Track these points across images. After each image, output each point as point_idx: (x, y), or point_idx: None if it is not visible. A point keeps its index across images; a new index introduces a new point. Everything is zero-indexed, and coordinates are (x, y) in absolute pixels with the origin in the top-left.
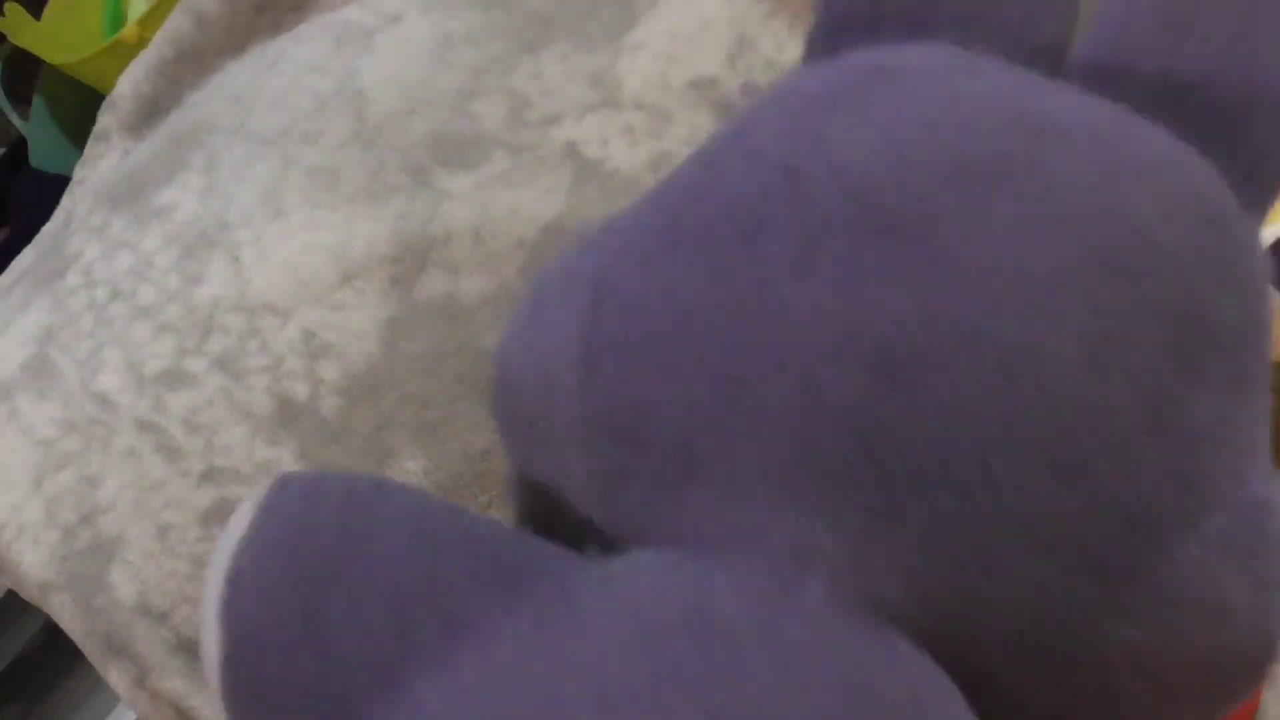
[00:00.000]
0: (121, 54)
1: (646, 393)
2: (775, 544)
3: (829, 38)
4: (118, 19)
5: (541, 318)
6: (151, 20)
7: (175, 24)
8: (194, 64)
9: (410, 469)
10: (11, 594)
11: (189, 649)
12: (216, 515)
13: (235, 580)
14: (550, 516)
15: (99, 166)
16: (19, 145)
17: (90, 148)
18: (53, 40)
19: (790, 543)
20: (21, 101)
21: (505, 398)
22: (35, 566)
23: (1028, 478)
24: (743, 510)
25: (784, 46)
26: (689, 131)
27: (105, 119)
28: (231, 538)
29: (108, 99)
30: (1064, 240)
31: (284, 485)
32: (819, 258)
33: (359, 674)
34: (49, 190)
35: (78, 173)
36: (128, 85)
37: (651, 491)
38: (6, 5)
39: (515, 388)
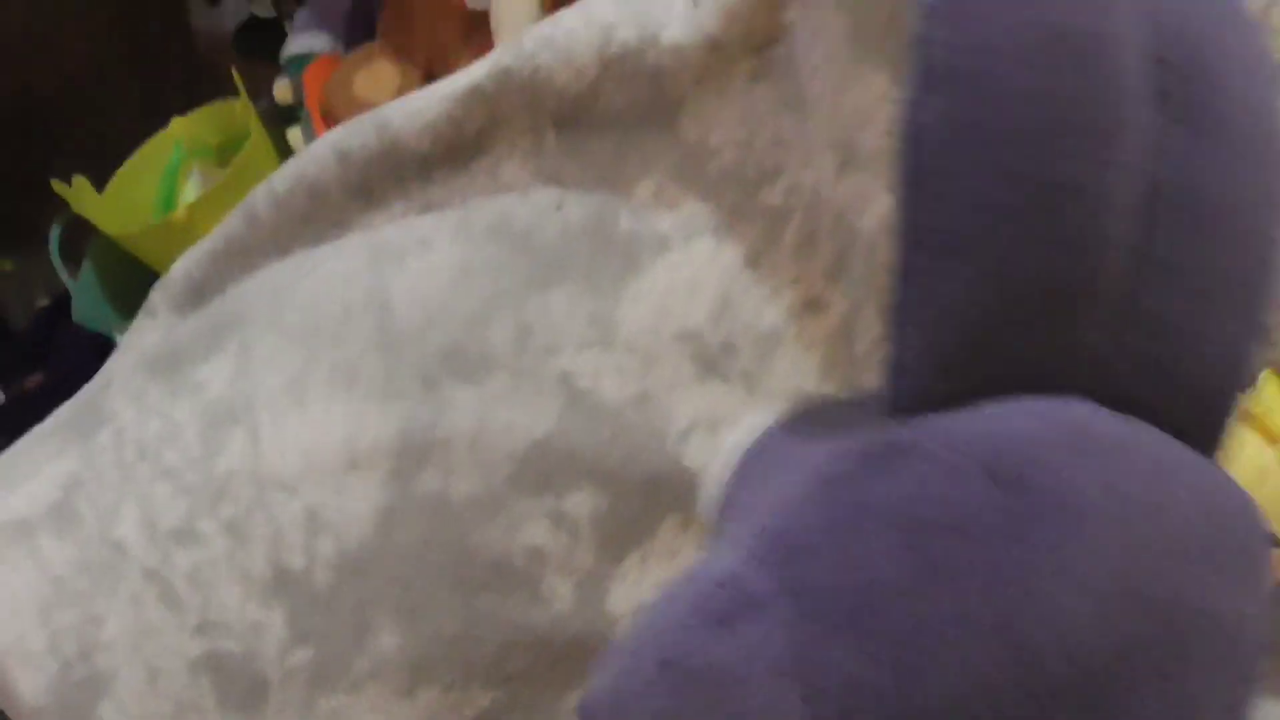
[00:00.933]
0: (170, 233)
1: None
2: None
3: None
4: (170, 200)
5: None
6: (200, 206)
7: (231, 221)
8: (241, 259)
9: (386, 643)
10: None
11: None
12: (204, 664)
13: None
14: None
15: (145, 337)
16: (64, 300)
17: (139, 319)
18: (109, 213)
19: None
20: (72, 261)
21: None
22: (31, 693)
23: None
24: None
25: (762, 313)
26: (671, 375)
27: (156, 296)
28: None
29: (162, 279)
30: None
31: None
32: None
33: None
34: (87, 345)
35: (124, 340)
36: (181, 269)
37: None
38: (75, 178)
39: None
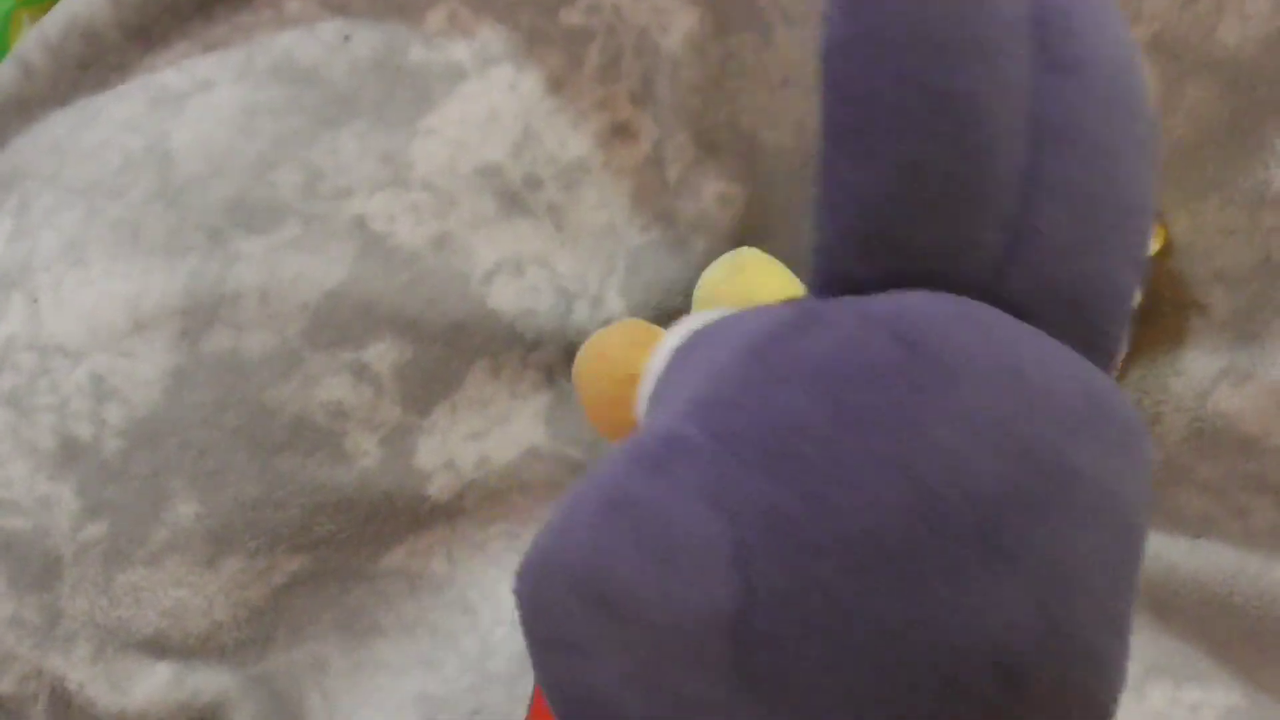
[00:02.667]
0: None
1: (802, 685)
2: None
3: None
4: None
5: (645, 561)
6: None
7: (3, 73)
8: (18, 112)
9: (184, 512)
10: None
11: None
12: None
13: None
14: None
15: None
16: None
17: None
18: None
19: None
20: None
21: (595, 598)
22: None
23: None
24: None
25: (567, 142)
26: (472, 214)
27: None
28: None
29: None
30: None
31: None
32: (950, 576)
33: None
34: None
35: None
36: None
37: None
38: None
39: (617, 602)
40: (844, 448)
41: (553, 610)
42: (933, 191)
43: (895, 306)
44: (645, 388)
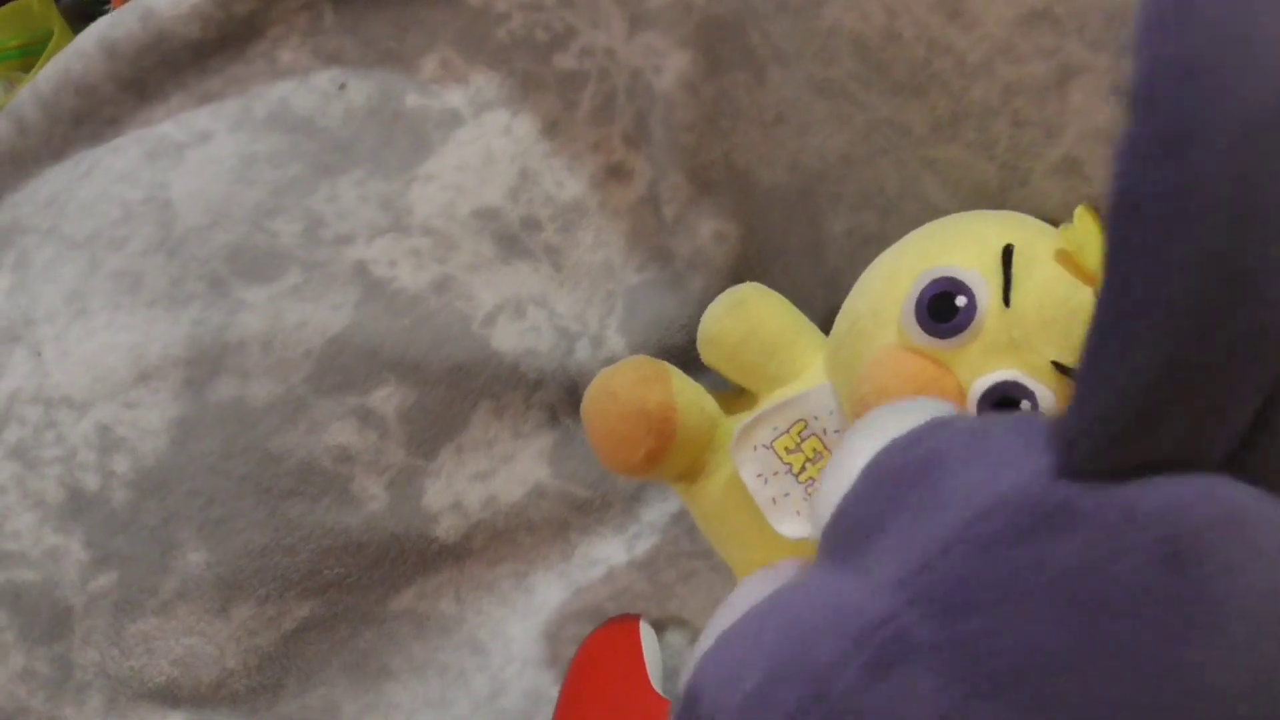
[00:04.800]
0: None
1: None
2: None
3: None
4: None
5: None
6: None
7: None
8: (12, 168)
9: (194, 561)
10: None
11: None
12: (3, 598)
13: None
14: None
15: None
16: None
17: None
18: None
19: None
20: None
21: None
22: None
23: None
24: None
25: (563, 184)
26: (472, 257)
27: None
28: None
29: None
30: None
31: None
32: None
33: None
34: None
35: None
36: None
37: None
38: None
39: None
40: (1093, 682)
41: None
42: (1205, 381)
43: (1160, 506)
44: (824, 508)
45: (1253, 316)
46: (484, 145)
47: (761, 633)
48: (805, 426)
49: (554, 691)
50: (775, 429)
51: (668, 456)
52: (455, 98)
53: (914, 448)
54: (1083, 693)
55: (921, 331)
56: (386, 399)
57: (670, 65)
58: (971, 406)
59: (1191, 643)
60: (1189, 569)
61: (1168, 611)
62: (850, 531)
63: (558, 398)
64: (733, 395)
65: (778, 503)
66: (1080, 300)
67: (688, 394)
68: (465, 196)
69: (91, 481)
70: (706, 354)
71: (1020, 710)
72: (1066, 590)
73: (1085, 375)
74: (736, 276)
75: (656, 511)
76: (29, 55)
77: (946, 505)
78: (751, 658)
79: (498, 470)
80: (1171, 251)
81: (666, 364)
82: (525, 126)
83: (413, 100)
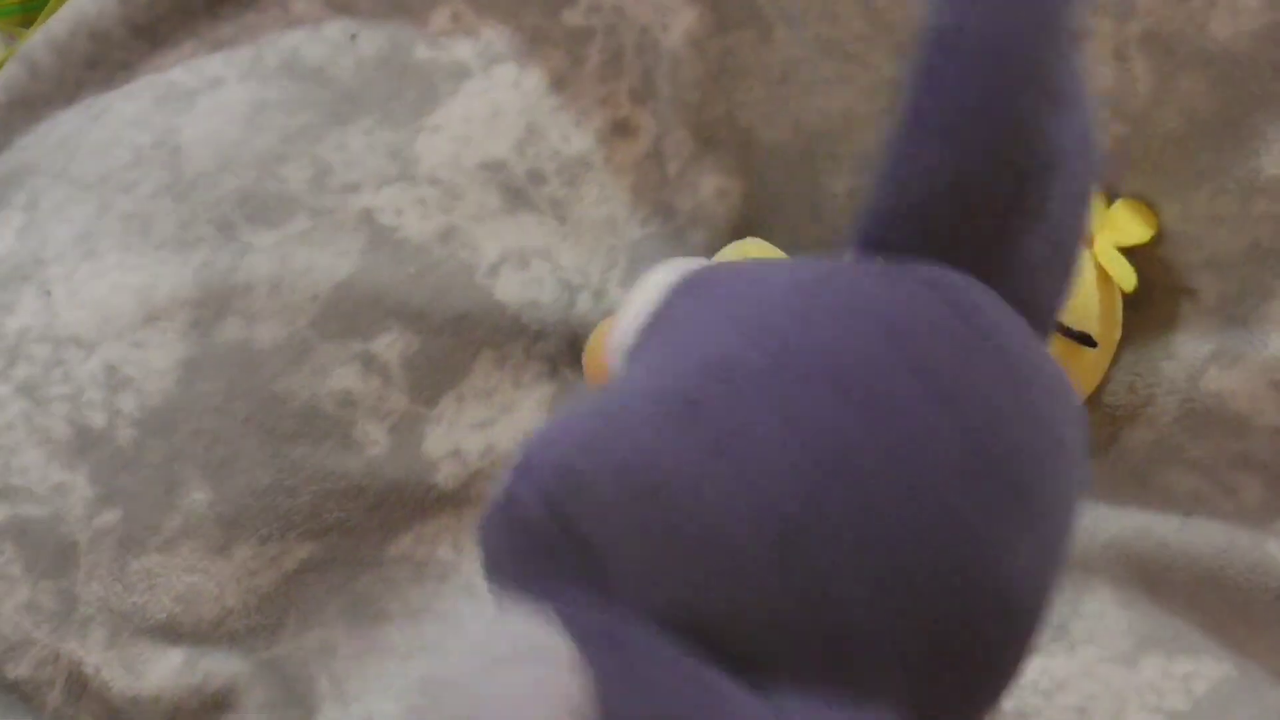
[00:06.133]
0: None
1: (834, 585)
2: (892, 700)
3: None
4: None
5: (715, 464)
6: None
7: (9, 71)
8: (24, 110)
9: (197, 499)
10: None
11: None
12: (8, 531)
13: None
14: None
15: None
16: None
17: None
18: None
19: (900, 698)
20: None
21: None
22: None
23: None
24: (876, 680)
25: (569, 138)
26: (477, 208)
27: None
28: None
29: None
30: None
31: None
32: (972, 511)
33: None
34: None
35: None
36: None
37: (809, 654)
38: None
39: (673, 497)
40: (904, 384)
41: (581, 495)
42: (979, 191)
43: (943, 277)
44: (630, 319)
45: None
46: (492, 98)
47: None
48: None
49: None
50: None
51: None
52: (464, 51)
53: (711, 270)
54: (897, 391)
55: None
56: (390, 345)
57: (678, 22)
58: None
59: (974, 368)
60: (971, 320)
61: (957, 341)
62: (657, 328)
63: (559, 349)
64: None
65: None
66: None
67: None
68: (472, 148)
69: (98, 419)
70: None
71: (849, 401)
72: (878, 317)
73: (890, 165)
74: (738, 233)
75: None
76: (30, 10)
77: (753, 285)
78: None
79: (498, 419)
80: (956, 89)
81: None
82: (533, 80)
83: (422, 52)
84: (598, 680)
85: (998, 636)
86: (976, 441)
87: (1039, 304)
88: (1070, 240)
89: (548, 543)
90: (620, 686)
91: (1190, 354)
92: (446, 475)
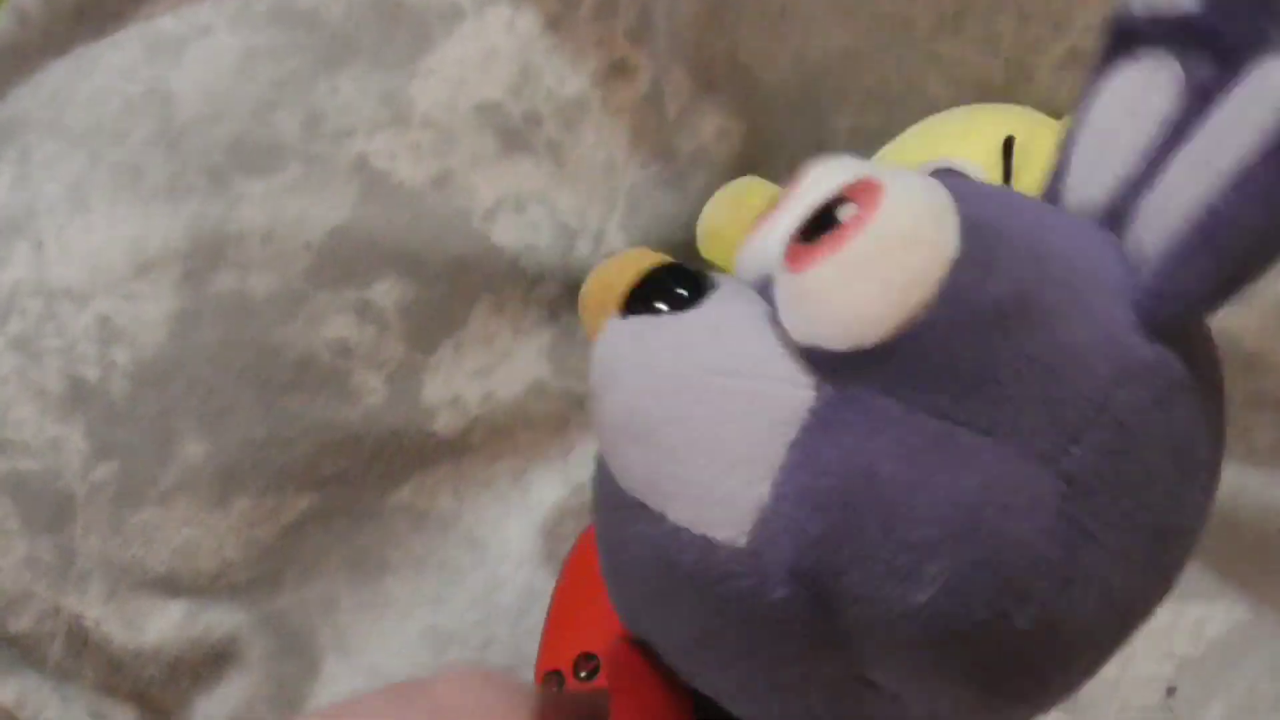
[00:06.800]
0: None
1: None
2: None
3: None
4: None
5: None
6: None
7: None
8: (15, 62)
9: (193, 452)
10: None
11: None
12: (4, 486)
13: None
14: None
15: None
16: None
17: None
18: None
19: None
20: None
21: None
22: None
23: None
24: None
25: (565, 80)
26: (472, 152)
27: None
28: None
29: None
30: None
31: None
32: None
33: None
34: None
35: None
36: None
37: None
38: None
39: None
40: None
41: None
42: None
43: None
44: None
45: None
46: (486, 40)
47: None
48: None
49: (549, 587)
50: None
51: None
52: None
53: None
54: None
55: None
56: (386, 293)
57: None
58: None
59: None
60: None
61: None
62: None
63: (558, 294)
64: None
65: None
66: None
67: None
68: (466, 91)
69: (92, 373)
70: (706, 248)
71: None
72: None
73: (1192, 238)
74: (739, 173)
75: None
76: None
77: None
78: None
79: (497, 366)
80: None
81: (665, 256)
82: (527, 22)
83: None
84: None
85: None
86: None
87: None
88: None
89: None
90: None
91: None
92: (445, 423)
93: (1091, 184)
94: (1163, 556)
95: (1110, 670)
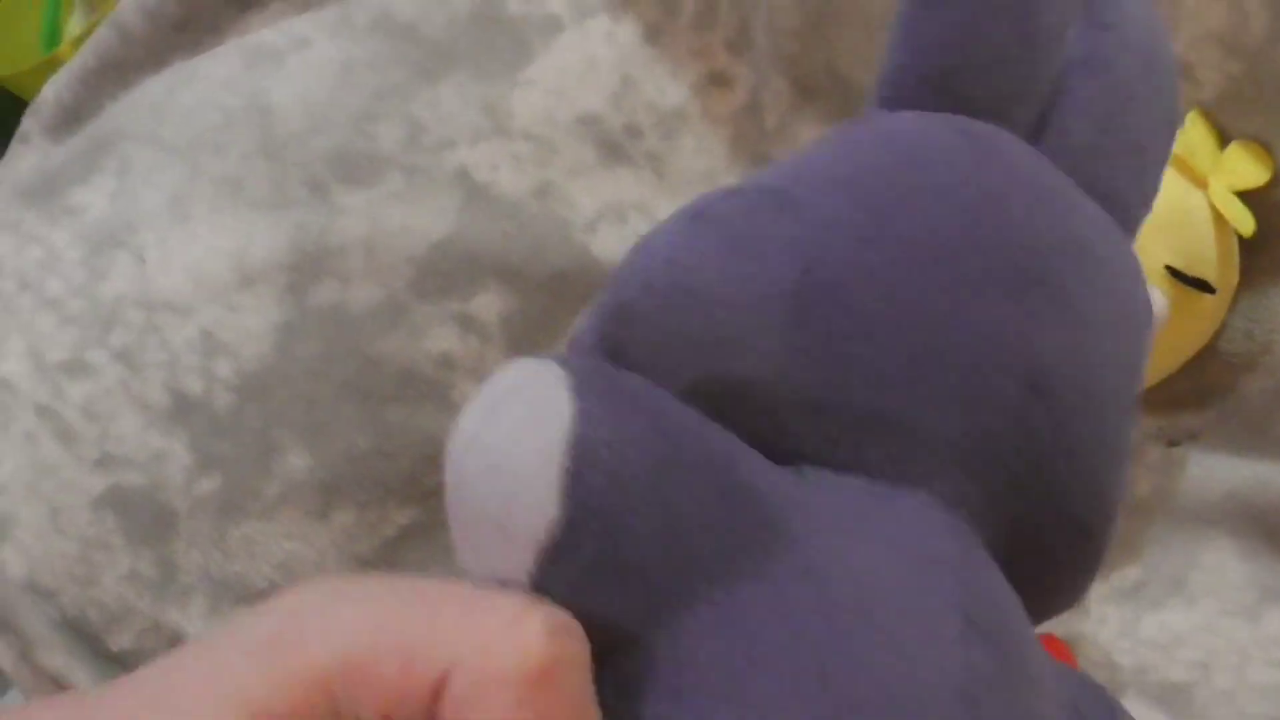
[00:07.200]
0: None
1: (850, 354)
2: (940, 490)
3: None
4: (54, 35)
5: (722, 253)
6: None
7: (100, 36)
8: (115, 75)
9: (295, 465)
10: None
11: (74, 627)
12: (108, 500)
13: (582, 458)
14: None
15: (18, 167)
16: None
17: (12, 148)
18: None
19: (951, 490)
20: None
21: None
22: None
23: None
24: (916, 462)
25: (665, 90)
26: (573, 163)
27: (28, 122)
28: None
29: (32, 104)
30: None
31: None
32: (990, 292)
33: (697, 561)
34: None
35: None
36: (51, 92)
37: (836, 431)
38: None
39: (700, 299)
40: (910, 186)
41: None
42: (987, 55)
43: (953, 116)
44: None
45: (1028, 16)
46: (586, 51)
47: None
48: None
49: None
50: None
51: None
52: (557, 3)
53: None
54: (902, 190)
55: None
56: (488, 305)
57: None
58: None
59: (983, 179)
60: (979, 142)
61: (966, 158)
62: None
63: None
64: None
65: None
66: (1192, 204)
67: None
68: (566, 102)
69: (195, 385)
70: None
71: (853, 197)
72: (889, 138)
73: (899, 31)
74: None
75: None
76: None
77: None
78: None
79: None
80: None
81: None
82: (627, 33)
83: (515, 6)
84: (591, 416)
85: (1042, 428)
86: (982, 232)
87: (1092, 189)
88: (1123, 146)
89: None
90: (614, 418)
91: None
92: None
93: None
94: None
95: (1223, 680)
